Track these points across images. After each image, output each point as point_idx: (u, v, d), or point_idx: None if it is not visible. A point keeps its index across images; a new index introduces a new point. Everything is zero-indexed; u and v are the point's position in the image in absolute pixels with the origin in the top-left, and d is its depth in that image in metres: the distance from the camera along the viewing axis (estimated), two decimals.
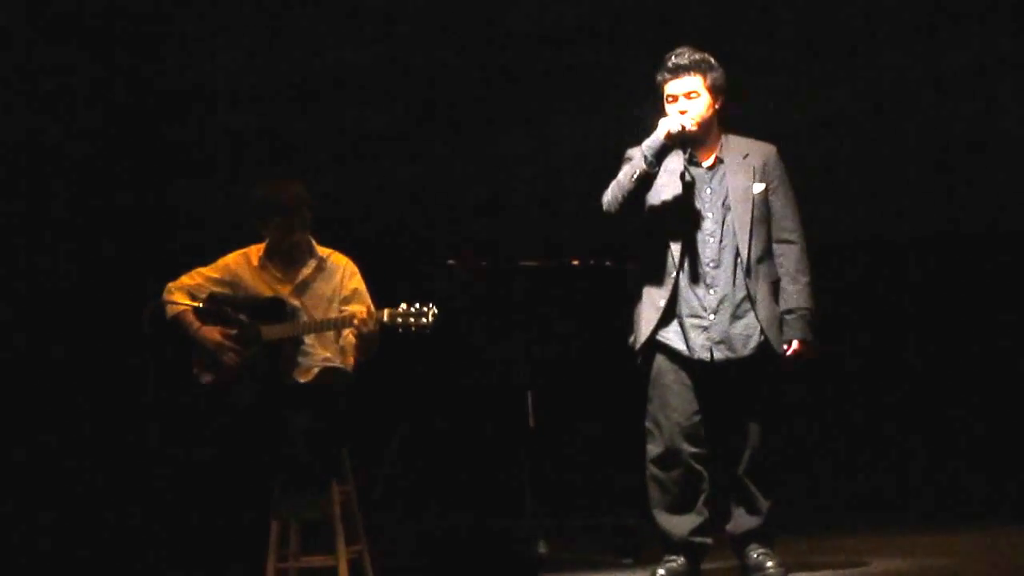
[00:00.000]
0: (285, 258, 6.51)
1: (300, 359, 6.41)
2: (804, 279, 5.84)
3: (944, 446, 7.81)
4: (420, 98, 8.04)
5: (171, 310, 6.40)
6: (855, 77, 7.95)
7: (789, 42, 7.90)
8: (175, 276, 6.51)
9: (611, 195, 5.79)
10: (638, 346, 5.87)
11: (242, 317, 6.38)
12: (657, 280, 5.82)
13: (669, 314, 5.80)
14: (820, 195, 7.44)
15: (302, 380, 6.40)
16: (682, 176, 5.82)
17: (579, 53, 7.94)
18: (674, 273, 5.78)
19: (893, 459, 7.83)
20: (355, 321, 6.21)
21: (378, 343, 6.33)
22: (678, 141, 5.72)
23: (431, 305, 6.12)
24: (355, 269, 6.55)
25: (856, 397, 7.86)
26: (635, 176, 5.69)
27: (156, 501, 7.51)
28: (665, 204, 5.81)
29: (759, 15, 7.89)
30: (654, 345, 5.83)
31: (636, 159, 5.74)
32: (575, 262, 6.68)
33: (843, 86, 7.94)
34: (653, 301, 5.82)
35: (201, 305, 6.38)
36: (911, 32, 7.90)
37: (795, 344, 5.83)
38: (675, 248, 5.79)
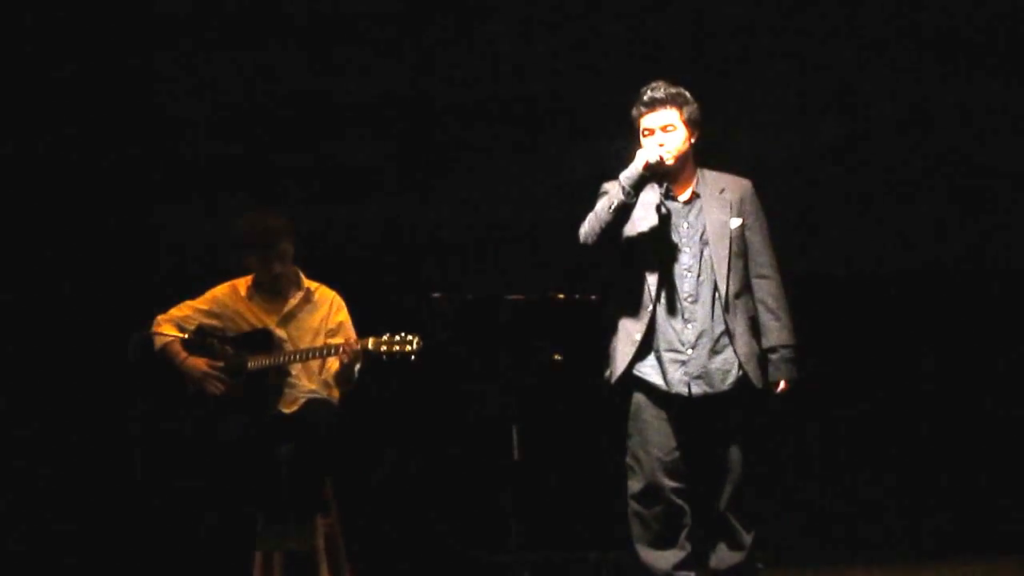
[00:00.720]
0: (271, 290, 6.53)
1: (286, 390, 6.43)
2: (785, 316, 5.84)
3: (929, 479, 7.80)
4: (406, 130, 8.05)
5: (158, 341, 6.44)
6: (835, 111, 7.97)
7: (766, 76, 7.91)
8: (159, 305, 6.53)
9: (588, 227, 5.78)
10: (613, 380, 5.85)
11: (228, 348, 6.41)
12: (633, 314, 5.81)
13: (645, 348, 5.79)
14: (799, 228, 7.51)
15: (287, 411, 6.41)
16: (658, 209, 5.82)
17: (561, 88, 7.96)
18: (650, 307, 5.77)
19: (876, 493, 7.82)
20: (343, 349, 6.23)
21: (356, 374, 6.35)
22: (656, 173, 5.72)
23: (416, 334, 6.13)
24: (342, 303, 6.57)
25: (837, 430, 7.85)
26: (612, 207, 5.68)
27: (140, 531, 7.51)
28: (642, 237, 5.80)
29: (737, 49, 7.90)
30: (631, 380, 5.82)
31: (613, 191, 5.74)
32: (560, 296, 6.69)
33: (824, 119, 7.96)
34: (629, 335, 5.81)
35: (187, 336, 6.40)
36: (894, 66, 7.91)
37: (781, 384, 5.84)
38: (651, 282, 5.77)
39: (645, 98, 5.81)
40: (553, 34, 7.95)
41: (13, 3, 7.71)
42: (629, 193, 5.68)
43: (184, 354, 6.42)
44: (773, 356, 5.82)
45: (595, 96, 7.76)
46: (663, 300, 5.78)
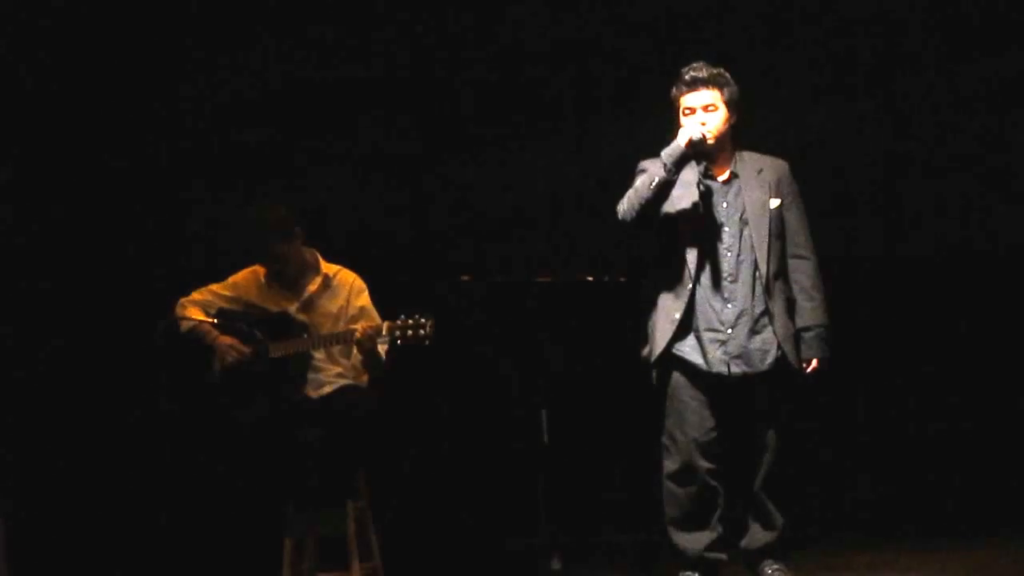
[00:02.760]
0: (289, 276, 6.51)
1: (310, 375, 6.42)
2: (819, 296, 5.87)
3: (958, 458, 7.77)
4: (432, 113, 8.05)
5: (185, 325, 6.43)
6: (868, 93, 7.93)
7: (800, 58, 7.89)
8: (187, 290, 6.54)
9: (628, 203, 5.79)
10: (653, 358, 5.86)
11: (257, 332, 6.40)
12: (672, 292, 5.82)
13: (685, 327, 5.80)
14: (833, 210, 7.48)
15: (314, 395, 6.40)
16: (698, 186, 5.83)
17: (589, 68, 7.94)
18: (690, 286, 5.78)
19: (907, 472, 7.80)
20: (356, 335, 6.21)
21: (383, 358, 6.32)
22: (697, 150, 5.73)
23: (428, 315, 6.11)
24: (363, 286, 6.54)
25: (867, 409, 7.83)
26: (654, 184, 5.70)
27: (169, 518, 7.52)
28: (681, 216, 5.80)
29: (772, 31, 7.88)
30: (670, 359, 5.83)
31: (652, 169, 5.75)
32: (588, 278, 6.68)
33: (856, 102, 7.93)
34: (668, 313, 5.82)
35: (215, 321, 6.41)
36: (926, 48, 7.87)
37: (813, 363, 5.85)
38: (691, 261, 5.79)
39: (686, 78, 5.82)
40: (585, 11, 7.94)
41: None
42: (671, 170, 5.69)
43: (215, 332, 6.42)
44: (806, 335, 5.84)
45: (625, 76, 7.76)
46: (703, 279, 5.80)
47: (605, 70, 7.92)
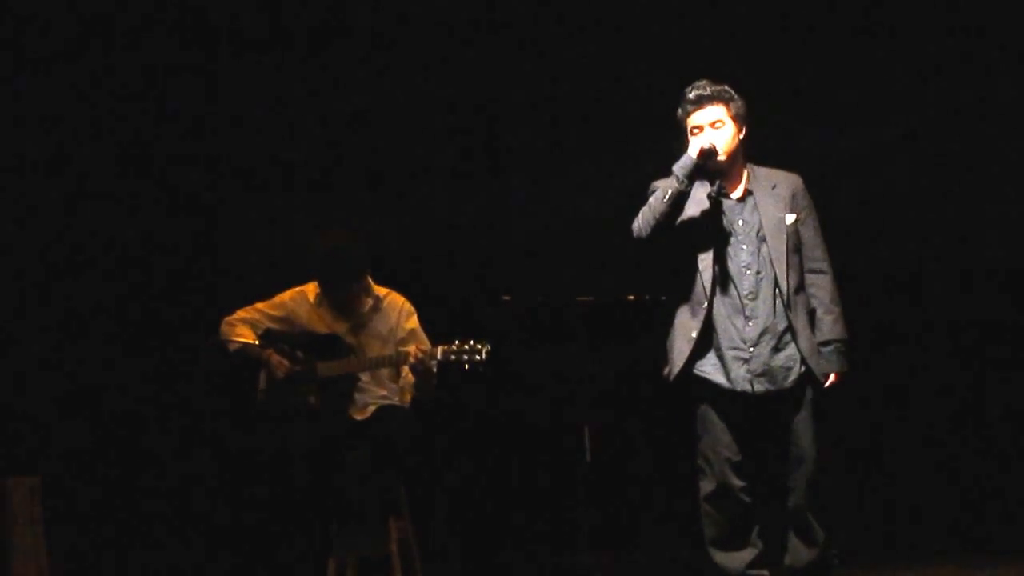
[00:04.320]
0: (343, 300, 6.53)
1: (356, 396, 6.44)
2: (838, 309, 5.86)
3: (1003, 473, 7.75)
4: (474, 134, 8.06)
5: (233, 346, 6.46)
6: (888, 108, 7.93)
7: (817, 75, 7.89)
8: (224, 307, 6.58)
9: (642, 220, 5.78)
10: (672, 378, 5.85)
11: (299, 353, 6.43)
12: (689, 311, 5.82)
13: (704, 346, 5.80)
14: (854, 225, 7.47)
15: (358, 418, 6.43)
16: (709, 196, 5.82)
17: (623, 90, 7.96)
18: (706, 304, 5.78)
19: (951, 487, 7.78)
20: (411, 359, 6.22)
21: (435, 381, 6.35)
22: (708, 162, 5.71)
23: (484, 341, 6.13)
24: (412, 310, 6.56)
25: (909, 423, 7.81)
26: (667, 197, 5.69)
27: (214, 539, 7.55)
28: (697, 234, 5.81)
29: (796, 46, 7.89)
30: (693, 380, 5.83)
31: (665, 185, 5.74)
32: (630, 297, 6.69)
33: (877, 118, 7.92)
34: (686, 332, 5.82)
35: (260, 341, 6.43)
36: (950, 62, 7.86)
37: (832, 377, 5.84)
38: (707, 279, 5.78)
39: (691, 96, 5.82)
40: (616, 33, 7.95)
41: (90, 9, 7.78)
42: (683, 182, 5.69)
43: (269, 350, 6.44)
44: (825, 349, 5.83)
45: (659, 97, 7.76)
46: (722, 298, 5.80)
47: (640, 91, 7.92)
